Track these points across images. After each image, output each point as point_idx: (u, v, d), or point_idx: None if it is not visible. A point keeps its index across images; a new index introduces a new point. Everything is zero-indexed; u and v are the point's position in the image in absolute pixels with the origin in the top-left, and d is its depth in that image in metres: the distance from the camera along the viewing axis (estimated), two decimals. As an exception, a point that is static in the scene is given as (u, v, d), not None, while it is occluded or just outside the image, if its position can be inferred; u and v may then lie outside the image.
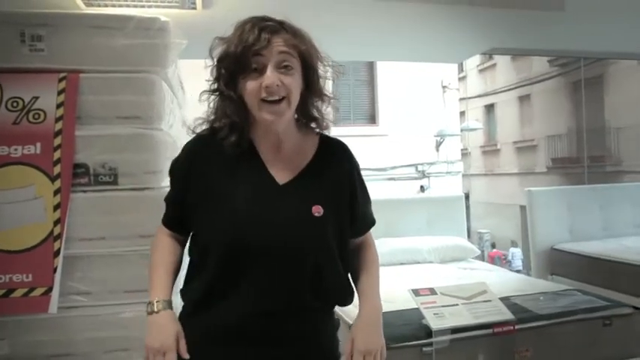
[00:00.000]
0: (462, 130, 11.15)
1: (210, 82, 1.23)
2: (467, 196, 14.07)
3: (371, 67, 9.80)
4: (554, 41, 3.92)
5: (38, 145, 1.92)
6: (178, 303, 1.34)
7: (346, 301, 1.30)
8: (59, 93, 1.97)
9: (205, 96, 1.24)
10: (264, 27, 1.16)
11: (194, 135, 1.29)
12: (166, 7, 2.63)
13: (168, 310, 1.22)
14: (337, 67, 1.28)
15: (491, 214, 14.82)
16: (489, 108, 16.05)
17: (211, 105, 1.25)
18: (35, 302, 1.84)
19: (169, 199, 1.33)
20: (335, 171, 1.28)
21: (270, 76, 1.14)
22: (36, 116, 1.95)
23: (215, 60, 1.21)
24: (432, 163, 9.98)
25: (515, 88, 14.24)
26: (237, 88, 1.19)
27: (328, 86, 1.27)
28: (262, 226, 1.17)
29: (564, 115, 12.49)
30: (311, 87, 1.23)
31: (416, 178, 9.94)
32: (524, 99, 14.19)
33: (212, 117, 1.25)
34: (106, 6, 2.55)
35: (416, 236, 4.13)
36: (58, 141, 1.93)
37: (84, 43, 2.04)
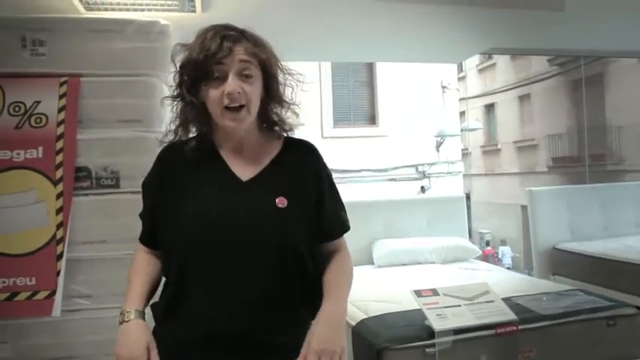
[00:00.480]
0: (462, 130, 11.15)
1: (173, 88, 1.26)
2: (468, 197, 14.01)
3: (370, 68, 9.81)
4: (554, 41, 3.92)
5: (40, 149, 1.93)
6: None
7: (316, 304, 1.25)
8: (60, 97, 1.99)
9: (168, 102, 1.28)
10: (226, 35, 1.19)
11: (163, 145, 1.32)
12: (166, 11, 2.63)
13: (140, 320, 1.22)
14: (297, 75, 1.32)
15: (493, 214, 14.79)
16: (489, 108, 16.02)
17: (173, 111, 1.28)
18: (39, 305, 1.85)
19: (143, 215, 1.34)
20: (300, 167, 1.30)
21: (232, 83, 1.18)
22: (38, 120, 1.96)
23: (177, 66, 1.24)
24: (432, 164, 9.97)
25: (515, 87, 14.21)
26: (198, 94, 1.22)
27: (288, 93, 1.31)
28: (226, 223, 1.19)
29: (564, 114, 12.47)
30: (271, 93, 1.27)
31: (416, 179, 9.94)
32: (524, 98, 14.15)
33: (176, 123, 1.28)
34: (106, 10, 2.55)
35: (417, 237, 4.11)
36: (59, 145, 1.95)
37: (84, 47, 2.06)
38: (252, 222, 1.20)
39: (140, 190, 1.97)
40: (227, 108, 1.19)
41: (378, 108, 9.77)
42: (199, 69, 1.18)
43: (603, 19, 3.25)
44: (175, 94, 1.26)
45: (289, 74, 1.30)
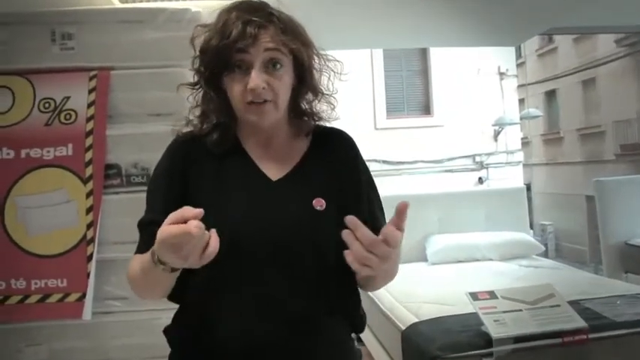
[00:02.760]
0: (521, 119, 10.66)
1: (193, 74, 1.11)
2: (528, 187, 13.58)
3: (424, 56, 9.55)
4: (623, 16, 3.58)
5: (70, 146, 1.87)
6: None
7: (356, 321, 1.12)
8: (90, 92, 1.92)
9: (188, 90, 1.12)
10: (249, 20, 1.01)
11: (175, 137, 1.16)
12: (201, -1, 2.53)
13: None
14: (334, 61, 1.13)
15: (555, 205, 14.22)
16: (550, 94, 15.34)
17: (191, 99, 1.12)
18: (69, 308, 1.80)
19: (150, 214, 1.10)
20: (335, 161, 1.14)
21: (255, 78, 1.01)
22: (67, 117, 1.90)
23: (197, 51, 1.08)
24: (490, 154, 9.64)
25: (579, 71, 13.52)
26: (219, 83, 1.06)
27: (324, 81, 1.13)
28: (260, 233, 1.02)
29: (634, 98, 11.76)
30: (304, 83, 1.11)
31: (474, 170, 9.63)
32: (588, 83, 13.46)
33: (195, 114, 1.12)
34: (141, 1, 2.48)
35: (474, 232, 3.89)
36: (89, 141, 1.88)
37: (114, 39, 1.98)
38: (288, 229, 1.04)
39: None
40: (250, 103, 1.03)
41: (433, 97, 9.52)
42: (219, 58, 1.02)
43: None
44: (194, 81, 1.11)
45: (326, 60, 1.12)
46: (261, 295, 1.01)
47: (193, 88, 1.11)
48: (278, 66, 1.03)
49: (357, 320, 1.12)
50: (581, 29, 4.84)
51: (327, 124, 1.16)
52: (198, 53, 1.08)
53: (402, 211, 0.91)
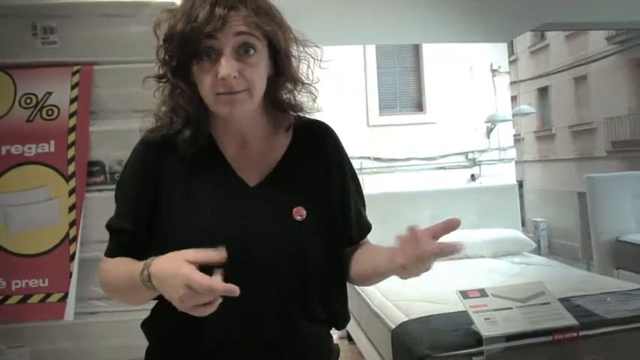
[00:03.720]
0: (513, 116, 10.68)
1: (158, 66, 1.00)
2: (520, 184, 13.63)
3: (416, 53, 9.55)
4: (614, 12, 3.57)
5: (52, 142, 1.83)
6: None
7: (339, 322, 1.07)
8: (73, 87, 1.88)
9: (151, 83, 1.02)
10: (217, 1, 0.91)
11: (142, 136, 1.06)
12: (189, -7, 2.49)
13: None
14: (315, 47, 1.03)
15: (547, 201, 14.27)
16: (543, 91, 15.39)
17: (157, 94, 1.03)
18: (51, 309, 1.76)
19: (120, 220, 1.04)
20: (318, 160, 1.05)
21: (226, 65, 0.91)
22: (49, 112, 1.86)
23: (160, 39, 0.97)
24: (483, 151, 9.66)
25: (571, 68, 13.55)
26: (188, 74, 0.96)
27: (303, 70, 1.03)
28: (235, 240, 0.93)
29: (625, 95, 11.81)
30: (281, 70, 1.00)
31: (466, 167, 9.65)
32: (580, 80, 13.51)
33: (161, 109, 1.02)
34: (127, -6, 2.43)
35: (466, 229, 3.86)
36: (72, 138, 1.84)
37: (98, 34, 1.94)
38: (265, 241, 0.97)
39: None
40: (221, 94, 0.93)
41: (426, 94, 9.54)
42: (185, 45, 0.92)
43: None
44: (160, 73, 1.00)
45: (305, 45, 1.01)
46: (236, 304, 0.91)
47: (160, 81, 1.01)
48: (251, 51, 0.93)
49: (340, 322, 1.08)
50: (572, 25, 4.84)
51: (308, 116, 1.07)
52: (162, 42, 0.97)
53: (452, 226, 0.91)
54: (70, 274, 1.76)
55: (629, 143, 11.65)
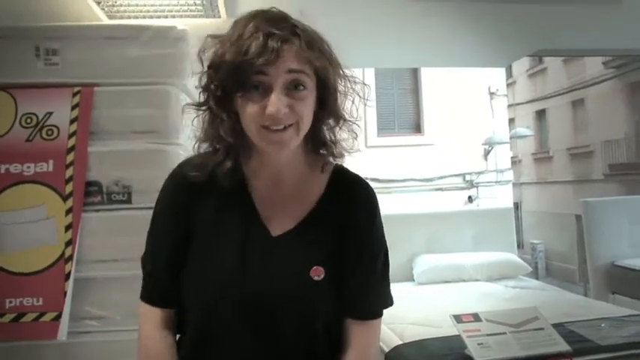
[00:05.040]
0: (511, 138, 10.74)
1: (200, 92, 0.96)
2: (518, 206, 13.64)
3: (415, 75, 9.65)
4: (610, 39, 3.62)
5: (51, 162, 1.85)
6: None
7: None
8: (73, 108, 1.90)
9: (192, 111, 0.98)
10: (271, 33, 0.87)
11: (179, 165, 1.04)
12: (190, 17, 2.53)
13: None
14: (361, 84, 0.99)
15: (545, 224, 14.27)
16: (540, 114, 15.49)
17: (196, 122, 0.99)
18: (45, 328, 1.76)
19: (155, 265, 1.02)
20: (347, 220, 1.00)
21: (276, 101, 0.88)
22: (49, 132, 1.88)
23: (205, 66, 0.93)
24: (480, 173, 9.69)
25: (568, 92, 13.67)
26: (232, 103, 0.93)
27: (347, 107, 0.99)
28: (247, 292, 0.93)
29: (621, 118, 11.90)
30: (326, 107, 0.97)
31: (464, 188, 9.68)
32: (577, 103, 13.61)
33: (207, 136, 0.98)
34: (129, 17, 2.47)
35: (461, 252, 3.87)
36: (70, 158, 1.86)
37: (99, 56, 1.97)
38: (276, 296, 0.94)
39: (154, 205, 1.90)
40: (266, 127, 0.90)
41: (424, 116, 9.61)
42: (234, 76, 0.88)
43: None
44: (202, 100, 0.96)
45: (353, 82, 0.98)
46: (241, 355, 0.95)
47: (199, 109, 0.97)
48: (301, 87, 0.91)
49: None
50: (568, 52, 4.89)
51: (349, 168, 1.05)
52: (206, 68, 0.94)
53: None
54: (65, 293, 1.76)
55: (626, 166, 11.70)
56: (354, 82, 0.99)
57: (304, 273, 0.95)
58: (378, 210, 1.04)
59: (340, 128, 1.00)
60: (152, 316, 1.02)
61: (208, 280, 0.95)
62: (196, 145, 1.00)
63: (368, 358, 1.02)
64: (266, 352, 0.95)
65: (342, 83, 0.98)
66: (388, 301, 1.05)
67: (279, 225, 0.98)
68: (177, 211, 1.00)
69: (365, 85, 1.01)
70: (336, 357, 1.00)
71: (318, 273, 0.95)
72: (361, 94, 1.00)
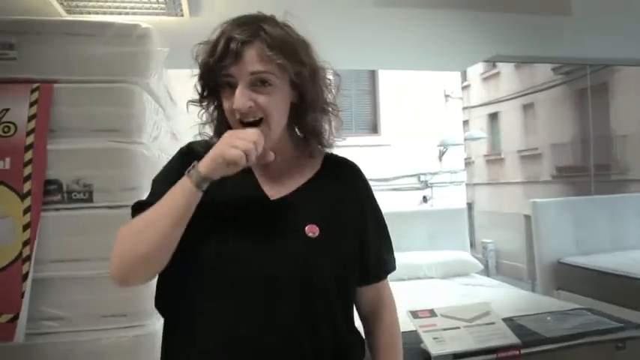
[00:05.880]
0: (465, 140, 11.02)
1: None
2: (471, 206, 13.99)
3: (372, 76, 9.75)
4: (561, 48, 3.80)
5: (7, 160, 1.80)
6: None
7: (351, 351, 1.08)
8: (31, 104, 1.86)
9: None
10: (232, 37, 0.97)
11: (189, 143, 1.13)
12: (152, 15, 2.52)
13: None
14: (336, 75, 1.10)
15: (496, 223, 14.67)
16: (493, 117, 15.93)
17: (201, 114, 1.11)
18: (1, 329, 1.71)
19: (152, 198, 1.03)
20: (341, 192, 1.10)
21: (239, 97, 0.97)
22: (6, 129, 1.83)
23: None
24: (435, 173, 9.88)
25: (519, 96, 14.12)
26: (219, 99, 1.05)
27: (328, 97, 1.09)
28: (242, 256, 1.00)
29: (569, 123, 12.38)
30: (305, 100, 1.05)
31: (419, 189, 9.85)
32: (528, 107, 14.07)
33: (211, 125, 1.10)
34: (89, 13, 2.44)
35: (417, 251, 3.98)
36: (28, 156, 1.81)
37: (59, 52, 1.93)
38: (273, 255, 1.00)
39: (115, 204, 1.87)
40: (242, 123, 0.99)
41: (380, 117, 9.70)
42: (209, 76, 1.01)
43: (612, 26, 3.13)
44: (197, 98, 1.09)
45: (326, 74, 1.08)
46: (238, 325, 0.99)
47: (200, 105, 1.09)
48: (267, 84, 0.99)
49: (353, 353, 1.10)
50: (523, 58, 5.08)
51: (338, 153, 1.15)
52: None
53: None
54: (22, 294, 1.73)
55: (573, 169, 12.17)
56: (328, 74, 1.08)
57: (300, 231, 1.03)
58: (369, 184, 1.17)
59: (322, 119, 1.09)
60: None
61: (210, 243, 0.99)
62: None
63: (396, 312, 1.19)
64: (265, 315, 0.99)
65: (319, 76, 1.06)
66: (391, 261, 1.19)
67: (276, 193, 1.07)
68: (178, 173, 1.01)
69: (338, 75, 1.11)
70: (334, 332, 1.05)
71: (312, 230, 1.03)
72: (336, 87, 1.10)
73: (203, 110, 1.09)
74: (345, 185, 1.12)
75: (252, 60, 0.97)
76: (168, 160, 1.17)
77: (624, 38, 3.47)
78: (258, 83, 0.99)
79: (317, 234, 1.02)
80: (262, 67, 0.98)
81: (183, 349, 1.02)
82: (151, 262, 0.98)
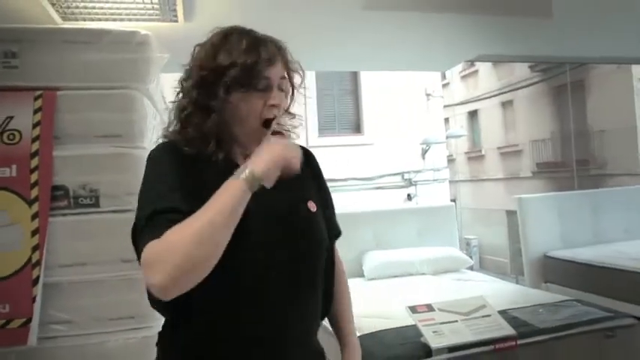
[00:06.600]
0: (447, 137, 11.15)
1: (187, 90, 1.10)
2: (453, 203, 14.08)
3: (355, 76, 9.81)
4: (541, 48, 3.90)
5: (14, 167, 1.83)
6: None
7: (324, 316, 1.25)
8: (35, 112, 1.88)
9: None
10: (271, 41, 1.12)
11: (160, 143, 1.12)
12: (147, 20, 2.54)
13: None
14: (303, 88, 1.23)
15: (478, 220, 14.84)
16: (473, 114, 16.10)
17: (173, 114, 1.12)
18: (13, 334, 1.74)
19: (163, 200, 0.99)
20: (312, 174, 1.24)
21: (277, 95, 1.10)
22: (11, 137, 1.85)
23: (197, 66, 1.10)
24: (418, 171, 9.97)
25: (498, 94, 14.31)
26: (217, 98, 1.07)
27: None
28: (273, 240, 1.07)
29: (547, 119, 12.57)
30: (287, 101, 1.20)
31: (402, 187, 9.93)
32: (507, 105, 14.25)
33: (177, 127, 1.11)
34: (84, 20, 2.45)
35: (407, 248, 4.05)
36: (35, 162, 1.84)
37: (60, 59, 1.96)
38: (297, 228, 1.10)
39: (121, 208, 1.90)
40: (266, 123, 1.09)
41: (363, 116, 9.76)
42: (247, 74, 1.06)
43: (590, 26, 3.24)
44: (192, 97, 1.09)
45: (302, 87, 1.21)
46: (270, 312, 1.05)
47: (193, 103, 1.09)
48: (285, 91, 1.14)
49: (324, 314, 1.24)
50: (504, 57, 5.18)
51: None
52: (199, 70, 1.09)
53: None
54: (34, 298, 1.75)
55: (552, 164, 12.37)
56: (304, 88, 1.21)
57: (304, 206, 1.13)
58: None
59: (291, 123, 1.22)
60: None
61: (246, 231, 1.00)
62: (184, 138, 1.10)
63: (344, 271, 1.34)
64: (291, 299, 1.07)
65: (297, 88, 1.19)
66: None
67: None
68: (177, 166, 1.04)
69: (305, 88, 1.23)
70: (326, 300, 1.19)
71: (312, 206, 1.15)
72: (304, 94, 1.22)
73: (181, 109, 1.10)
74: (310, 168, 1.23)
75: (282, 67, 1.12)
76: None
77: (601, 37, 3.59)
78: (280, 89, 1.12)
79: (315, 210, 1.15)
80: (286, 74, 1.13)
81: (209, 343, 1.04)
82: (208, 269, 0.93)
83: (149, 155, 1.10)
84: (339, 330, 1.28)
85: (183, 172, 1.04)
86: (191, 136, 1.08)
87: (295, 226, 1.10)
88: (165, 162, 1.06)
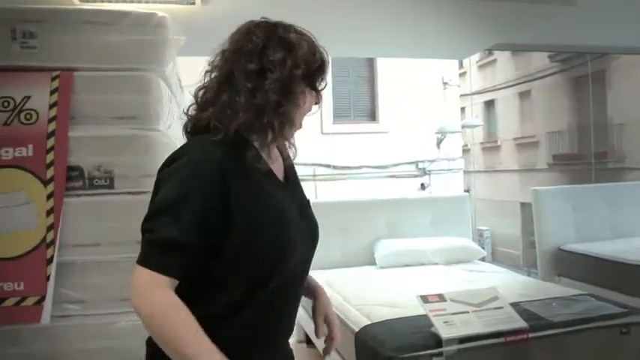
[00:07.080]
0: (462, 127, 11.04)
1: (270, 73, 1.08)
2: (467, 193, 14.02)
3: (371, 63, 9.71)
4: (563, 36, 3.84)
5: (30, 147, 1.84)
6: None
7: None
8: (52, 92, 1.89)
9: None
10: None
11: (205, 147, 1.08)
12: (164, 3, 2.54)
13: None
14: None
15: (492, 211, 14.76)
16: (489, 104, 15.94)
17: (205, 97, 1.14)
18: (27, 312, 1.76)
19: (186, 235, 1.00)
20: (292, 164, 1.30)
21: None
22: (28, 117, 1.86)
23: (287, 55, 1.10)
24: (432, 161, 9.90)
25: (516, 84, 14.13)
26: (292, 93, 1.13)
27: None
28: (301, 236, 1.18)
29: (565, 111, 12.41)
30: None
31: (416, 176, 9.87)
32: (524, 95, 14.08)
33: (244, 114, 1.08)
34: (102, 1, 2.46)
35: (420, 237, 4.03)
36: (51, 142, 1.85)
37: (78, 40, 1.96)
38: (315, 232, 1.23)
39: (135, 190, 1.91)
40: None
41: (379, 104, 9.68)
42: (322, 74, 1.16)
43: (616, 14, 3.16)
44: (292, 89, 1.11)
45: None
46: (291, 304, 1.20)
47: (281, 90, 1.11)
48: None
49: None
50: (522, 46, 5.11)
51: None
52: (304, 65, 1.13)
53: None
54: (48, 277, 1.77)
55: (568, 157, 12.23)
56: None
57: (311, 211, 1.25)
58: None
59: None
60: (162, 282, 0.99)
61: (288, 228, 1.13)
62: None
63: None
64: (300, 290, 1.23)
65: None
66: None
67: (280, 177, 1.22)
68: (214, 187, 1.03)
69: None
70: None
71: (309, 204, 1.27)
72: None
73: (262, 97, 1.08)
74: (292, 166, 1.29)
75: None
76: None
77: (626, 26, 3.51)
78: None
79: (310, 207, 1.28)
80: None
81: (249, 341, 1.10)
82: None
83: (198, 157, 1.06)
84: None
85: (226, 192, 1.04)
86: (256, 125, 1.08)
87: (315, 234, 1.22)
88: (209, 183, 1.04)
